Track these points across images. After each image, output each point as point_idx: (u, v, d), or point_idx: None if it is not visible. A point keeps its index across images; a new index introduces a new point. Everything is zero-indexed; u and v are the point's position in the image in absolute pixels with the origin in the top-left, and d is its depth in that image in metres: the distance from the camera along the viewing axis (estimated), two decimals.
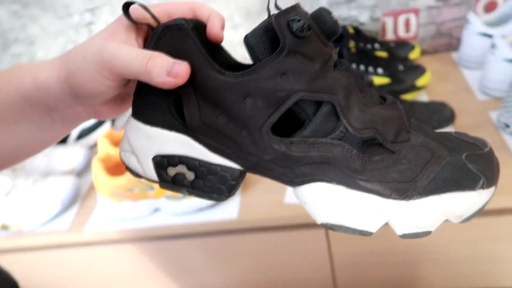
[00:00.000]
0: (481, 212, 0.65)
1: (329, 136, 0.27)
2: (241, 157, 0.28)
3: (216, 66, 0.27)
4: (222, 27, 0.30)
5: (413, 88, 0.81)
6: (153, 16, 0.28)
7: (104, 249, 0.76)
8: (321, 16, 0.27)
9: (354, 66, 0.81)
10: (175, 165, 0.29)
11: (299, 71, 0.26)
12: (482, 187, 0.27)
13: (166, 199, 0.70)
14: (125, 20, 0.28)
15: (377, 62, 0.83)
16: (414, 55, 0.91)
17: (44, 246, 0.77)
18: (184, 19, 0.27)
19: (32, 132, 0.30)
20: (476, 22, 0.83)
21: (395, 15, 0.94)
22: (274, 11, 0.29)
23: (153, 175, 0.29)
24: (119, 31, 0.28)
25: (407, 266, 0.73)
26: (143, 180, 0.67)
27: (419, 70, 0.83)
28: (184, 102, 0.28)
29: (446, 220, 0.28)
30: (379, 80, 0.81)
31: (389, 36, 0.97)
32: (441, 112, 0.69)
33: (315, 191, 0.28)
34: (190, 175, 0.29)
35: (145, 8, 0.28)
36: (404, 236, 0.28)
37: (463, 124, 0.74)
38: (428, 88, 0.86)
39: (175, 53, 0.27)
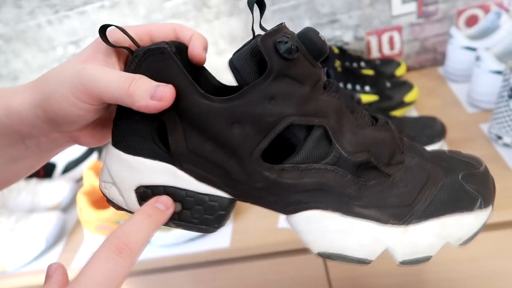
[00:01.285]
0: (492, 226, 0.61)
1: (322, 161, 0.26)
2: (230, 185, 0.27)
3: (202, 91, 0.25)
4: (205, 48, 0.29)
5: (402, 104, 0.81)
6: (132, 40, 0.26)
7: None
8: (308, 36, 0.26)
9: (341, 85, 0.81)
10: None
11: (289, 95, 0.25)
12: (480, 208, 0.27)
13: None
14: (103, 44, 0.26)
15: (364, 80, 0.82)
16: (400, 71, 0.91)
17: (29, 287, 0.73)
18: (166, 42, 0.26)
19: (4, 162, 0.29)
20: (459, 37, 0.84)
21: (379, 33, 0.95)
22: (258, 31, 0.28)
23: (136, 207, 0.27)
24: (97, 54, 0.27)
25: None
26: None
27: (406, 86, 0.82)
28: (168, 129, 0.26)
29: (446, 244, 0.27)
30: (367, 97, 0.80)
31: (374, 54, 0.98)
32: (431, 127, 0.68)
33: (310, 219, 0.27)
34: (177, 207, 0.27)
35: (123, 31, 0.26)
36: (403, 262, 0.27)
37: (455, 138, 0.73)
38: (416, 104, 0.86)
39: (158, 78, 0.25)
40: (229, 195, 0.27)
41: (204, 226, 0.27)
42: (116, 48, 0.26)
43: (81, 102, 0.25)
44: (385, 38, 0.95)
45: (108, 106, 0.28)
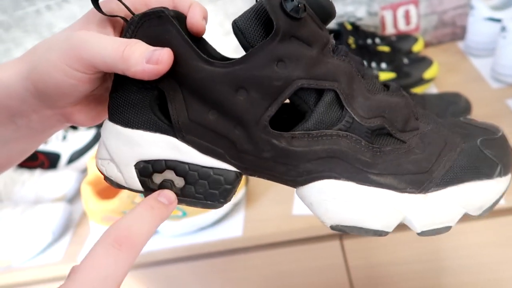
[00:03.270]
0: (505, 211, 0.59)
1: (335, 127, 0.25)
2: (236, 157, 0.25)
3: (203, 56, 0.23)
4: (204, 18, 0.27)
5: (421, 81, 0.76)
6: (127, 8, 0.25)
7: None
8: (315, 0, 0.24)
9: None
10: (161, 171, 0.25)
11: (297, 57, 0.23)
12: (500, 175, 0.26)
13: None
14: (96, 14, 0.25)
15: (379, 57, 0.78)
16: (417, 47, 0.86)
17: (36, 281, 0.71)
18: (164, 8, 0.24)
19: None
20: (482, 7, 0.78)
21: (394, 7, 0.89)
22: None
23: (136, 184, 0.26)
24: (91, 25, 0.25)
25: (430, 276, 0.67)
26: (136, 200, 0.62)
27: (425, 62, 0.78)
28: (168, 99, 0.24)
29: (465, 214, 0.26)
30: (384, 75, 0.75)
31: (389, 30, 0.92)
32: (456, 104, 0.64)
33: (322, 190, 0.25)
34: (179, 182, 0.25)
35: None
36: (423, 233, 0.25)
37: (480, 115, 0.68)
38: (436, 81, 0.81)
39: (156, 44, 0.23)
40: (235, 168, 0.25)
41: (209, 202, 0.26)
42: (110, 17, 0.25)
43: (71, 70, 0.23)
44: (400, 12, 0.90)
45: (103, 79, 0.26)
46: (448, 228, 0.25)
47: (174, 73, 0.24)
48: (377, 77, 0.26)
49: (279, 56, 0.23)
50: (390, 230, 0.25)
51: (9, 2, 0.92)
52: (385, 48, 0.81)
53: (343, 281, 0.68)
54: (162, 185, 0.25)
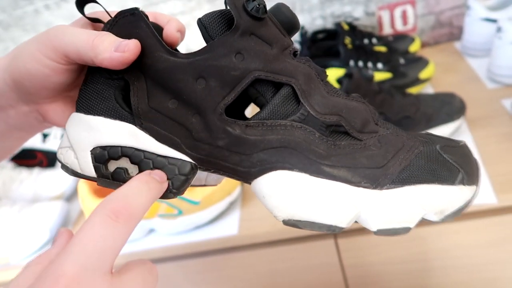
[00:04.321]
0: (497, 211, 0.58)
1: (289, 118, 0.25)
2: (192, 146, 0.25)
3: (168, 48, 0.25)
4: (179, 31, 0.28)
5: (417, 81, 0.76)
6: (107, 13, 0.27)
7: None
8: (280, 10, 0.26)
9: (352, 62, 0.77)
10: (116, 158, 0.25)
11: (255, 52, 0.24)
12: (463, 183, 0.25)
13: (160, 218, 0.65)
14: (81, 20, 0.27)
15: (376, 57, 0.78)
16: (414, 47, 0.86)
17: None
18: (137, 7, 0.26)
19: None
20: (478, 8, 0.79)
21: (391, 8, 0.90)
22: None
23: (90, 170, 0.25)
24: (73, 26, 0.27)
25: (423, 275, 0.67)
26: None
27: (421, 62, 0.78)
28: (131, 88, 0.25)
29: (425, 218, 0.24)
30: (380, 75, 0.76)
31: (387, 30, 0.93)
32: (450, 104, 0.64)
33: (275, 181, 0.24)
34: (133, 170, 0.25)
35: (96, 1, 0.27)
36: (379, 232, 0.24)
37: (475, 115, 0.68)
38: (433, 81, 0.81)
39: (127, 38, 0.25)
40: (190, 159, 0.25)
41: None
42: (93, 23, 0.27)
43: (46, 59, 0.24)
44: (397, 12, 0.90)
45: (77, 74, 0.27)
46: (406, 230, 0.24)
47: (140, 64, 0.25)
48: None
49: (238, 49, 0.24)
50: (344, 225, 0.24)
51: (8, 1, 0.92)
52: (382, 48, 0.82)
53: (338, 279, 0.69)
54: (116, 173, 0.25)
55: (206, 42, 0.25)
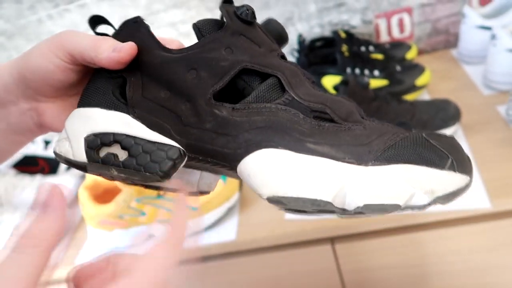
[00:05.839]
0: (492, 216, 0.57)
1: (275, 101, 0.26)
2: (181, 133, 0.26)
3: (164, 47, 0.28)
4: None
5: (413, 88, 0.77)
6: (114, 28, 0.29)
7: None
8: (270, 24, 0.29)
9: (349, 69, 0.78)
10: (108, 145, 0.26)
11: (244, 48, 0.27)
12: (453, 169, 0.23)
13: (160, 224, 0.66)
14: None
15: (372, 64, 0.79)
16: (411, 55, 0.88)
17: None
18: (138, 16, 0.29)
19: None
20: (473, 15, 0.80)
21: (388, 16, 0.91)
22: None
23: (82, 155, 0.26)
24: None
25: (421, 280, 0.67)
26: (132, 205, 0.63)
27: (417, 69, 0.79)
28: (128, 82, 0.28)
29: (413, 203, 0.23)
30: (377, 82, 0.77)
31: (384, 38, 0.94)
32: (445, 110, 0.65)
33: (260, 159, 0.25)
34: (123, 154, 0.26)
35: (107, 21, 0.30)
36: (366, 207, 0.23)
37: (470, 121, 0.69)
38: (429, 88, 0.82)
39: (129, 41, 0.28)
40: (179, 145, 0.26)
41: (148, 173, 0.25)
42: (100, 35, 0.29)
43: (53, 55, 0.27)
44: (394, 20, 0.91)
45: (79, 76, 0.29)
46: (396, 207, 0.23)
47: (138, 63, 0.27)
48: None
49: (227, 44, 0.27)
50: (329, 199, 0.23)
51: (12, 11, 0.94)
52: (379, 56, 0.83)
53: (336, 284, 0.69)
54: (106, 157, 0.26)
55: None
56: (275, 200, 0.24)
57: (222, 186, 0.67)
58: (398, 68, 0.80)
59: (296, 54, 0.86)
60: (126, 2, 0.93)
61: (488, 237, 0.59)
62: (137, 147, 0.26)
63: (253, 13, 0.27)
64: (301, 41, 0.83)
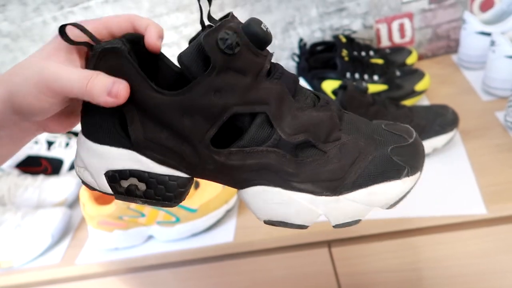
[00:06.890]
0: (488, 221, 0.60)
1: (264, 144, 0.29)
2: (186, 167, 0.30)
3: (154, 86, 0.27)
4: (160, 37, 0.30)
5: (413, 93, 0.78)
6: (90, 36, 0.28)
7: (97, 282, 0.72)
8: (251, 28, 0.28)
9: (348, 74, 0.78)
10: (126, 178, 0.30)
11: (231, 86, 0.28)
12: (407, 175, 0.31)
13: (159, 225, 0.67)
14: (63, 42, 0.28)
15: (372, 69, 0.79)
16: (411, 60, 0.88)
17: (36, 283, 0.74)
18: (122, 40, 0.28)
19: None
20: (474, 21, 0.80)
21: (388, 21, 0.92)
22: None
23: (107, 188, 0.30)
24: (59, 52, 0.28)
25: (417, 284, 0.68)
26: (131, 206, 0.64)
27: (417, 74, 0.79)
28: (128, 120, 0.29)
29: (371, 211, 0.31)
30: (375, 87, 0.77)
31: (385, 43, 0.94)
32: (443, 116, 0.65)
33: (256, 194, 0.31)
34: (142, 186, 0.30)
35: (81, 28, 0.27)
36: (337, 226, 0.31)
37: (469, 127, 0.70)
38: (429, 93, 0.82)
39: (115, 74, 0.27)
40: (186, 174, 0.30)
41: (167, 202, 0.31)
42: (75, 45, 0.28)
43: (46, 97, 0.27)
44: (395, 25, 0.92)
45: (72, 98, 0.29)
46: (357, 221, 0.31)
47: (132, 99, 0.28)
48: (310, 92, 0.32)
49: (216, 87, 0.27)
50: (309, 224, 0.31)
51: (17, 13, 0.96)
52: (379, 61, 0.83)
53: (332, 287, 0.70)
54: (128, 189, 0.30)
55: (188, 78, 0.28)
56: (269, 223, 0.31)
57: (221, 189, 0.68)
58: (397, 73, 0.80)
59: (296, 58, 0.86)
60: (130, 4, 0.94)
61: (484, 243, 0.59)
62: (152, 180, 0.30)
63: (237, 43, 0.26)
64: (302, 45, 0.84)
